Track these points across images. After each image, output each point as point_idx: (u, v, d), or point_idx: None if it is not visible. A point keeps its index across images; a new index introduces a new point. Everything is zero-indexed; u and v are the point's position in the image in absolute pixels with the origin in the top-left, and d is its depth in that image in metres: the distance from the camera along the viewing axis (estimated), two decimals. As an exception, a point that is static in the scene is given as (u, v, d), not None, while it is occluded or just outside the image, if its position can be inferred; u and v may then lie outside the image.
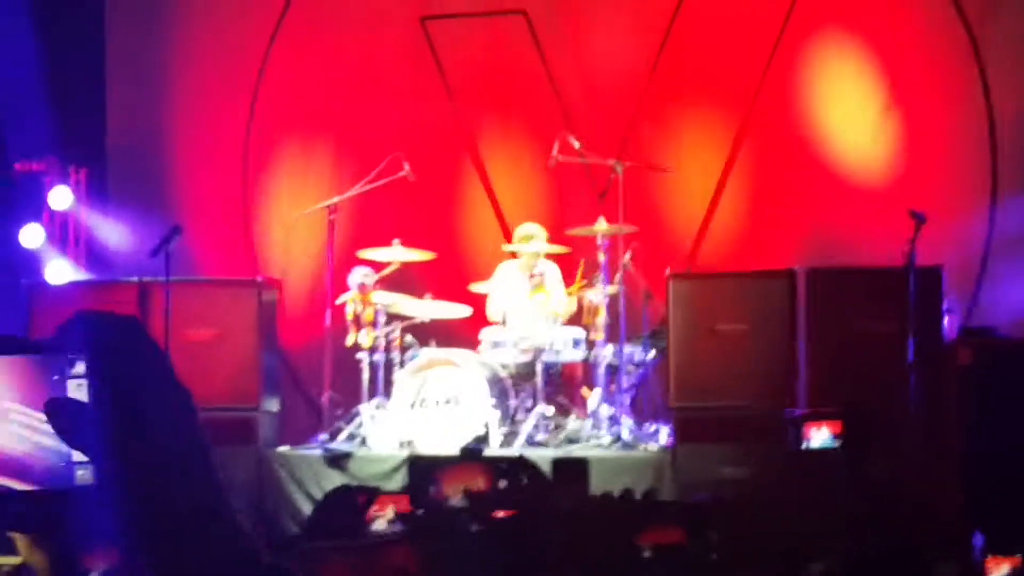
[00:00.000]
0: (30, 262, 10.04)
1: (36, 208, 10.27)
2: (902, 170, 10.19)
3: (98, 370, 1.24)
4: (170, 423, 1.21)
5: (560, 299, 9.26)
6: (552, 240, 9.46)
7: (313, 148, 10.95)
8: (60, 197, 10.28)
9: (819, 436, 7.22)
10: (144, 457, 1.19)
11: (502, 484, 6.57)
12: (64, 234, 10.42)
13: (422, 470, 7.18)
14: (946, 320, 8.28)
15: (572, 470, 7.24)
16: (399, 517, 6.79)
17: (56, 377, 1.27)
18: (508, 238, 10.10)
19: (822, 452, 7.13)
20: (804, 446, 7.20)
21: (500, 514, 6.12)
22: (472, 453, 7.35)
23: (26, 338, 1.32)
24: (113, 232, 10.55)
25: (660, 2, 10.71)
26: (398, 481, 8.03)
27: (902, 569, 5.55)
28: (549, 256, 9.50)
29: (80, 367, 1.24)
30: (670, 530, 5.68)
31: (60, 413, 1.21)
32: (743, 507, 6.42)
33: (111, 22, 11.09)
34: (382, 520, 6.82)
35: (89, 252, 10.55)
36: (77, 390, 1.22)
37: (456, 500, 6.46)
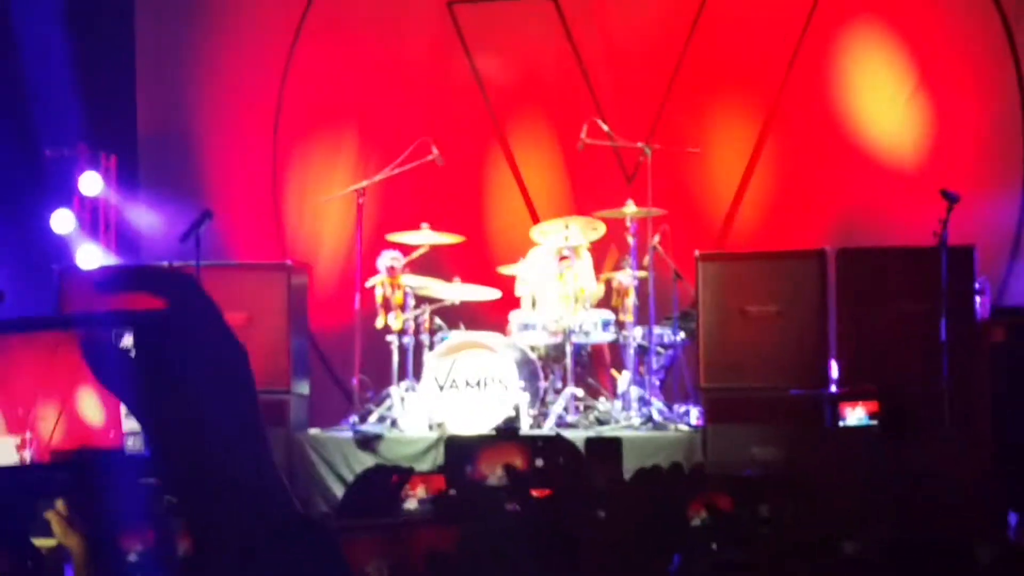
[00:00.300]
0: (61, 247, 10.08)
1: (67, 194, 10.32)
2: (933, 150, 10.14)
3: (152, 326, 1.22)
4: (218, 375, 1.21)
5: (589, 282, 9.22)
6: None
7: (342, 132, 10.97)
8: (90, 183, 10.32)
9: (854, 415, 7.19)
10: (189, 402, 1.19)
11: (538, 463, 6.56)
12: (95, 220, 10.46)
13: (458, 450, 7.19)
14: (978, 300, 8.24)
15: (605, 450, 7.24)
16: (431, 497, 6.80)
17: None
18: (536, 221, 10.09)
19: (856, 430, 7.10)
20: (839, 424, 7.18)
21: (536, 493, 6.12)
22: (507, 432, 7.35)
23: (59, 313, 1.32)
24: (143, 217, 10.59)
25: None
26: (429, 462, 8.05)
27: (942, 552, 5.51)
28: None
29: (126, 339, 1.24)
30: (719, 498, 5.66)
31: (94, 348, 1.21)
32: (776, 486, 6.40)
33: (141, 11, 11.13)
34: (414, 500, 6.83)
35: (120, 237, 10.59)
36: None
37: (493, 479, 6.46)
